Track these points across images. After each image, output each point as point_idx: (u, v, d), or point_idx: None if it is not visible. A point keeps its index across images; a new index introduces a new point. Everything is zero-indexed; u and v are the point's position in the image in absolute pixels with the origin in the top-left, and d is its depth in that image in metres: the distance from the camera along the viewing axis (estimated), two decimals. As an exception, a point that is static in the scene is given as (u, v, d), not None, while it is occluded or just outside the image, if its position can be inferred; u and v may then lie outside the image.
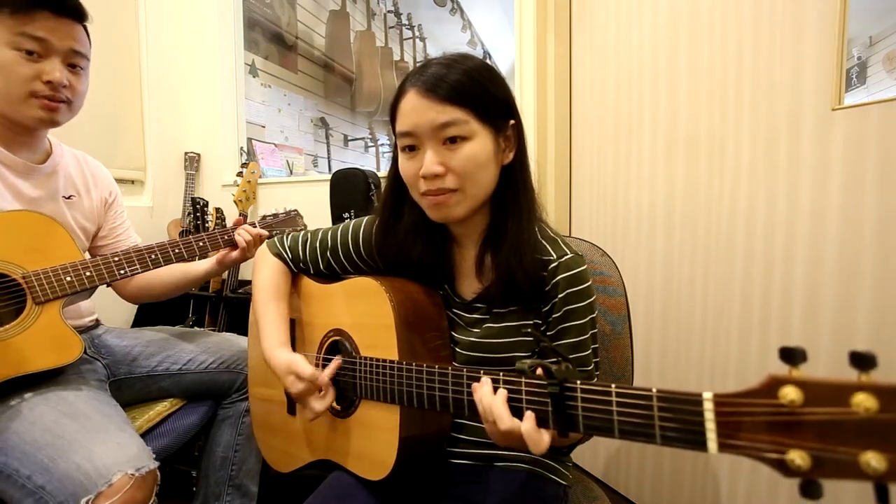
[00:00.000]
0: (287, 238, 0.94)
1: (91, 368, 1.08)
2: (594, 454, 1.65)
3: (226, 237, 1.16)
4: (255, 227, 1.22)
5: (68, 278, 0.95)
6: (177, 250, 1.09)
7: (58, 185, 1.06)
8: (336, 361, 0.81)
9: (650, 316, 1.44)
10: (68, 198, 1.07)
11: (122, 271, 1.02)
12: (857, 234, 1.00)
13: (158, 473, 0.85)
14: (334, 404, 0.85)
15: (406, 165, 0.73)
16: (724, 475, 1.27)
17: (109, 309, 1.35)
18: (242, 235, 1.18)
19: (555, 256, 0.74)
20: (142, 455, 0.84)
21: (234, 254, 1.18)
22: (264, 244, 0.97)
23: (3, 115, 0.96)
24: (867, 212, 0.99)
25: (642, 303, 1.45)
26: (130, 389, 1.12)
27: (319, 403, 0.79)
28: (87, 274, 0.97)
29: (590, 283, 0.75)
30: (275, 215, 1.30)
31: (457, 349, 0.80)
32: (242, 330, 1.22)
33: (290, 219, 1.30)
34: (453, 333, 0.81)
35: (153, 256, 1.06)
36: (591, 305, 0.74)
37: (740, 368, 1.22)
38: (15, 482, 0.80)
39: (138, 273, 1.05)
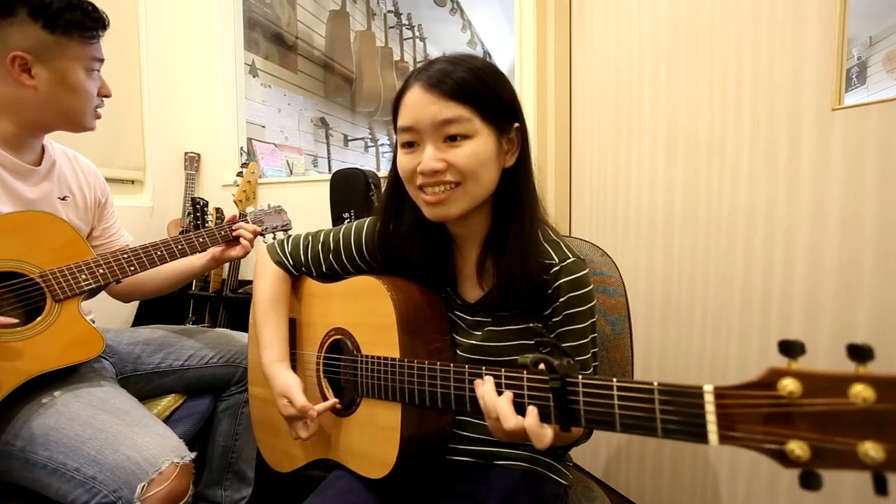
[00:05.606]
0: (288, 243, 0.94)
1: (103, 367, 1.10)
2: (594, 454, 1.65)
3: (222, 233, 1.18)
4: (248, 221, 1.25)
5: (83, 276, 0.97)
6: (179, 247, 1.11)
7: (53, 187, 1.06)
8: (329, 402, 0.82)
9: (650, 316, 1.44)
10: (63, 199, 1.08)
11: (132, 268, 1.04)
12: (857, 234, 1.01)
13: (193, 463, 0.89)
14: (336, 404, 0.85)
15: (404, 160, 0.72)
16: (723, 475, 1.27)
17: (108, 309, 1.35)
18: (244, 234, 1.19)
19: (557, 260, 0.73)
20: (181, 445, 0.88)
21: (235, 251, 1.20)
22: (265, 250, 0.96)
23: (70, 125, 1.03)
24: (867, 212, 0.99)
25: (642, 303, 1.45)
26: (134, 387, 1.13)
27: (303, 432, 0.82)
28: (101, 271, 0.99)
29: (591, 287, 0.74)
30: (262, 210, 1.34)
31: (458, 352, 0.80)
32: (242, 329, 1.23)
33: (277, 214, 1.35)
34: (455, 336, 0.81)
35: (159, 253, 1.08)
36: (591, 310, 0.74)
37: (740, 368, 1.23)
38: (63, 475, 0.83)
39: (146, 270, 1.07)
